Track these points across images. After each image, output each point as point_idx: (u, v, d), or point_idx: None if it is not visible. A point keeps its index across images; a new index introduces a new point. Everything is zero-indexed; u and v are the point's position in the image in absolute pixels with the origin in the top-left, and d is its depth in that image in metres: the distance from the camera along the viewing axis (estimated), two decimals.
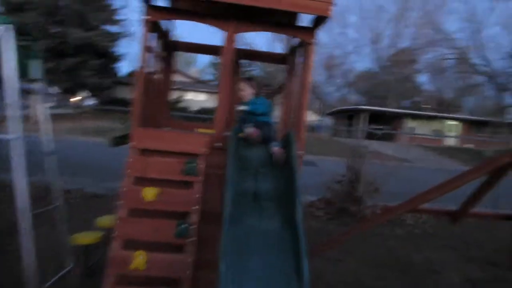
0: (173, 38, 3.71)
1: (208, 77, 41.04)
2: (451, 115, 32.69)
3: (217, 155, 2.73)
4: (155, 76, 3.40)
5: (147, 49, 2.82)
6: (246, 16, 2.73)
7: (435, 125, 31.44)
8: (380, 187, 6.38)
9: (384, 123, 29.95)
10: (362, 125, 28.61)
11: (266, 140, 2.72)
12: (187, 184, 2.62)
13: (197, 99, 28.34)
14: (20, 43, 2.68)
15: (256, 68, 29.38)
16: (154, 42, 3.11)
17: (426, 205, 3.93)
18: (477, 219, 5.69)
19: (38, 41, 3.01)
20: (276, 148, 2.65)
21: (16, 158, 2.66)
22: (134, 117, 2.70)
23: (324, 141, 20.07)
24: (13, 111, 2.64)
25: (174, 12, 2.81)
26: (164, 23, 3.45)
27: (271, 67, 31.16)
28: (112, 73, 26.11)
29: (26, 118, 3.26)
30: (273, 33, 28.94)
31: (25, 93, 3.01)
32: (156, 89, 3.39)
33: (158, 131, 2.99)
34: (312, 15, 2.67)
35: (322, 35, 32.24)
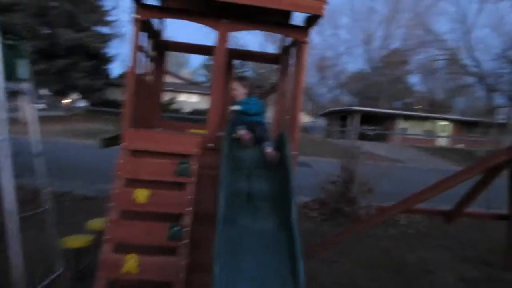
0: (164, 38, 3.66)
1: (200, 78, 40.94)
2: (442, 115, 32.98)
3: (210, 156, 2.69)
4: (147, 76, 3.35)
5: (138, 48, 2.77)
6: (238, 15, 2.70)
7: (426, 125, 31.70)
8: (374, 187, 6.38)
9: (377, 124, 30.12)
10: (354, 126, 28.77)
11: (259, 141, 2.69)
12: (179, 186, 2.57)
13: (189, 100, 28.24)
14: (7, 43, 2.61)
15: (248, 69, 29.38)
16: (145, 42, 3.06)
17: (419, 205, 3.95)
18: (471, 219, 5.71)
19: (25, 41, 2.94)
20: (269, 149, 2.61)
21: (3, 160, 2.60)
22: (125, 117, 2.65)
23: (317, 142, 20.10)
24: None
25: (165, 10, 2.77)
26: (155, 23, 3.41)
27: (263, 69, 31.19)
28: (103, 74, 25.91)
29: (15, 120, 3.19)
30: (266, 32, 29.00)
31: (13, 94, 2.94)
32: (148, 89, 3.34)
33: (150, 131, 2.94)
34: (305, 13, 2.65)
35: (314, 36, 32.37)
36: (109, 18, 25.00)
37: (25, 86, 2.96)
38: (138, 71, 2.90)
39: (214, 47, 2.75)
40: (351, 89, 41.18)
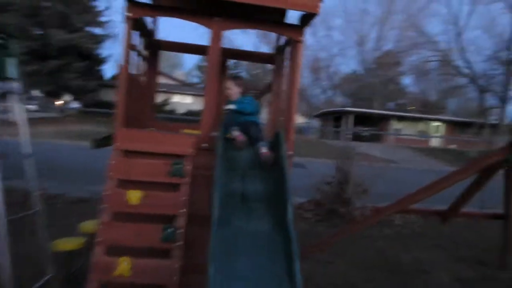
0: (157, 37, 3.62)
1: (194, 80, 40.83)
2: (435, 116, 33.22)
3: (204, 156, 2.65)
4: (139, 76, 3.30)
5: (130, 47, 2.73)
6: (232, 13, 2.67)
7: (420, 126, 31.90)
8: (369, 188, 6.38)
9: (370, 125, 30.25)
10: (348, 126, 28.90)
11: (254, 141, 2.65)
12: (173, 187, 2.53)
13: (183, 102, 28.16)
14: None
15: (242, 70, 29.37)
16: (137, 41, 3.02)
17: (414, 205, 3.94)
18: (465, 219, 5.72)
19: (15, 40, 2.88)
20: (264, 149, 2.58)
21: None
22: (118, 117, 2.60)
23: (311, 143, 20.12)
24: None
25: (157, 8, 2.72)
26: (148, 22, 3.37)
27: (257, 69, 31.19)
28: (96, 75, 25.74)
29: (5, 122, 3.13)
30: (260, 33, 29.02)
31: (2, 96, 2.88)
32: (140, 89, 3.29)
33: (143, 132, 2.89)
34: (300, 11, 2.62)
35: (308, 37, 32.47)
36: (102, 19, 24.87)
37: (15, 85, 2.90)
38: (131, 70, 2.86)
39: (208, 47, 2.71)
40: (344, 90, 41.35)
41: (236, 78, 2.96)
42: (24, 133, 3.06)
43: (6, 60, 2.76)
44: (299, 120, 34.10)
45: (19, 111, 3.00)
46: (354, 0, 43.86)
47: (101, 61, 25.86)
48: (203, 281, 1.82)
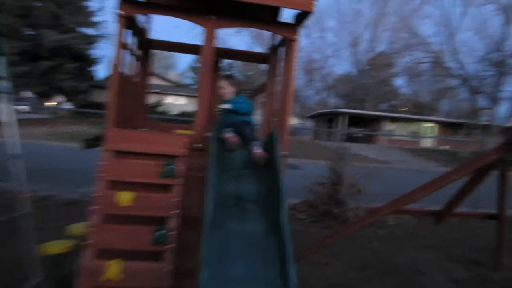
0: (150, 36, 3.56)
1: (187, 81, 40.70)
2: (427, 117, 33.46)
3: (198, 157, 2.60)
4: (131, 75, 3.24)
5: (122, 46, 2.67)
6: (226, 12, 2.62)
7: (412, 127, 32.10)
8: (362, 189, 6.37)
9: (363, 126, 30.39)
10: (342, 127, 28.99)
11: (247, 141, 2.60)
12: (165, 188, 2.48)
13: (177, 103, 28.04)
14: None
15: (236, 71, 29.34)
16: (130, 39, 2.96)
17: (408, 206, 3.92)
18: (459, 218, 5.73)
19: (4, 38, 2.81)
20: (257, 149, 2.53)
21: None
22: (109, 117, 2.54)
23: (305, 144, 20.12)
24: None
25: (150, 6, 2.66)
26: (140, 21, 3.31)
27: (251, 71, 31.16)
28: (89, 76, 25.50)
29: None
30: (254, 34, 29.01)
31: None
32: (132, 89, 3.23)
33: (134, 132, 2.83)
34: (295, 10, 2.59)
35: (302, 38, 32.50)
36: (94, 19, 24.66)
37: (3, 84, 2.83)
38: (122, 69, 2.80)
39: (201, 46, 2.67)
40: (338, 91, 41.49)
41: (229, 77, 2.91)
42: (12, 134, 2.99)
43: None
44: (293, 121, 34.12)
45: (7, 111, 2.93)
46: (348, 2, 44.07)
47: (93, 62, 25.63)
48: (196, 285, 1.77)
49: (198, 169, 2.53)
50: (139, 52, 3.43)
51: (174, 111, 24.95)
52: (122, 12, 2.49)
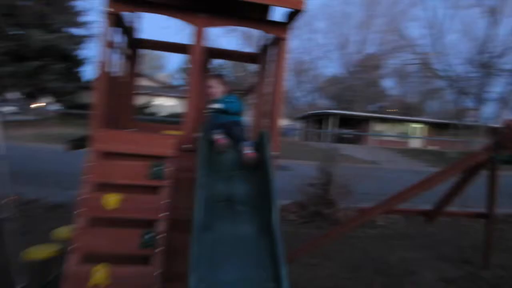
0: (138, 35, 3.50)
1: (177, 82, 40.45)
2: (415, 118, 33.83)
3: (188, 158, 2.54)
4: (119, 75, 3.17)
5: (109, 44, 2.60)
6: (216, 10, 2.58)
7: (401, 128, 32.43)
8: (352, 189, 6.38)
9: (353, 127, 30.58)
10: (331, 128, 29.12)
11: (238, 141, 2.56)
12: (154, 190, 2.42)
13: (166, 104, 27.83)
14: None
15: (225, 72, 29.25)
16: (117, 38, 2.89)
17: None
18: (447, 217, 5.75)
19: None
20: (247, 149, 2.48)
21: None
22: (95, 117, 2.47)
23: (295, 145, 20.15)
24: None
25: (139, 4, 2.58)
26: (129, 20, 3.25)
27: (241, 72, 31.10)
28: (76, 77, 25.14)
29: None
30: (243, 35, 28.96)
31: None
32: (120, 89, 3.16)
33: (121, 132, 2.76)
34: (285, 8, 2.56)
35: (292, 40, 32.62)
36: (82, 20, 24.34)
37: None
38: (110, 69, 2.73)
39: (191, 45, 2.62)
40: (327, 92, 41.70)
41: (220, 76, 2.86)
42: None
43: None
44: (283, 122, 34.18)
45: None
46: (337, 4, 44.40)
47: (81, 62, 25.28)
48: None
49: (189, 170, 2.47)
50: (127, 51, 3.36)
51: (164, 112, 24.76)
52: (110, 9, 2.42)
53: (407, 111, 37.68)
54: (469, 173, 3.45)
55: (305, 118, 37.05)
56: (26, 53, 20.69)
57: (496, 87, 28.09)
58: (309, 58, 37.42)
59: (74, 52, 23.92)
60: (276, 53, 2.88)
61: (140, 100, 22.13)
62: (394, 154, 21.89)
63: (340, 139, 22.00)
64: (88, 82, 25.93)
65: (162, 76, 39.11)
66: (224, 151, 2.51)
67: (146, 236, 2.27)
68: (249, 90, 4.14)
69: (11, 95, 22.62)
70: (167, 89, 31.62)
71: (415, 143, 30.33)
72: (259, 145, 2.54)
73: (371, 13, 34.94)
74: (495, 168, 3.52)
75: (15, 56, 20.23)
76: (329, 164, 6.43)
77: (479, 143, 22.86)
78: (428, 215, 4.06)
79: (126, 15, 3.15)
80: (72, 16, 23.54)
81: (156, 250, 2.27)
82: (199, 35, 2.60)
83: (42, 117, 22.17)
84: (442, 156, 20.62)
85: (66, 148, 2.81)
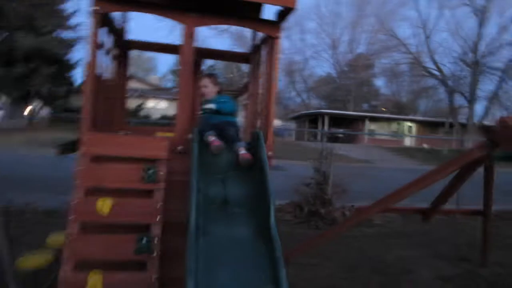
0: (127, 36, 3.44)
1: (169, 84, 40.27)
2: (407, 117, 34.08)
3: (181, 160, 2.49)
4: (109, 77, 3.11)
5: (97, 45, 2.54)
6: (207, 8, 2.53)
7: (392, 126, 32.64)
8: (348, 188, 6.37)
9: (345, 126, 30.71)
10: (324, 128, 29.21)
11: (232, 142, 2.51)
12: (147, 193, 2.36)
13: (158, 107, 27.67)
14: None
15: (217, 73, 29.17)
16: (105, 38, 2.82)
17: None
18: (443, 215, 5.76)
19: None
20: (242, 150, 2.43)
21: None
22: (84, 120, 2.41)
23: (289, 145, 20.14)
24: None
25: (127, 3, 2.53)
26: (118, 21, 3.19)
27: (231, 73, 31.06)
28: (67, 81, 24.83)
29: None
30: (235, 34, 28.92)
31: None
32: (110, 91, 3.10)
33: (112, 135, 2.70)
34: (277, 6, 2.52)
35: (283, 41, 32.73)
36: (71, 23, 24.07)
37: None
38: (99, 71, 2.67)
39: (181, 45, 2.56)
40: (319, 92, 41.84)
41: (212, 75, 2.82)
42: None
43: None
44: (276, 123, 34.21)
45: None
46: (327, 4, 44.57)
47: (71, 66, 24.98)
48: None
49: (183, 173, 2.42)
50: (117, 53, 3.30)
51: (156, 114, 24.61)
52: (97, 8, 2.36)
53: (399, 110, 37.94)
54: (466, 171, 3.44)
55: (298, 118, 37.12)
56: (15, 57, 20.41)
57: (487, 85, 28.37)
58: (300, 58, 37.57)
59: (64, 55, 23.64)
60: (268, 52, 2.85)
61: (132, 103, 21.97)
62: (386, 152, 22.00)
63: (333, 139, 22.07)
64: (78, 85, 25.68)
65: (154, 78, 38.90)
66: (217, 153, 2.45)
67: (141, 242, 2.21)
68: (242, 91, 4.10)
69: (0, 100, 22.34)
70: (159, 91, 31.44)
71: (407, 142, 30.53)
72: (254, 146, 2.49)
73: (362, 13, 35.15)
74: (491, 165, 3.52)
75: (3, 60, 19.94)
76: (324, 163, 6.40)
77: (471, 141, 23.13)
78: (425, 214, 4.05)
79: (115, 16, 3.09)
80: (60, 19, 23.27)
81: (153, 255, 2.22)
82: (189, 35, 2.55)
83: (32, 122, 21.90)
84: (436, 154, 20.76)
85: (56, 153, 2.74)
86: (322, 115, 31.06)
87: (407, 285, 3.72)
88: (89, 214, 2.27)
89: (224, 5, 2.52)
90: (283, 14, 2.62)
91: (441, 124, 30.44)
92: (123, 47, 3.40)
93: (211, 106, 2.60)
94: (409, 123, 32.85)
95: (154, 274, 2.20)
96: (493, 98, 28.11)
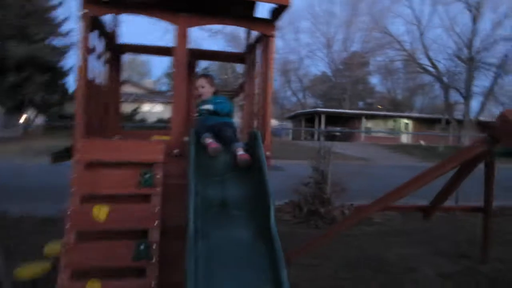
0: (120, 39, 3.39)
1: (163, 87, 40.16)
2: (403, 114, 34.15)
3: (178, 164, 2.45)
4: (102, 81, 3.06)
5: (88, 49, 2.49)
6: (199, 8, 2.49)
7: (389, 124, 32.69)
8: (347, 187, 6.34)
9: (342, 124, 30.74)
10: (320, 127, 29.22)
11: (230, 143, 2.46)
12: (144, 198, 2.32)
13: (153, 110, 27.59)
14: None
15: (212, 74, 29.12)
16: (97, 42, 2.77)
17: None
18: (443, 212, 5.73)
19: None
20: (240, 151, 2.39)
21: None
22: (77, 126, 2.36)
23: (286, 145, 20.11)
24: None
25: (117, 4, 2.47)
26: (109, 25, 3.14)
27: (226, 75, 31.02)
28: (60, 88, 24.69)
29: None
30: (229, 35, 28.87)
31: None
32: (103, 96, 3.05)
33: (106, 141, 2.65)
34: (270, 4, 2.49)
35: (277, 40, 32.71)
36: (63, 30, 23.94)
37: None
38: (91, 75, 2.62)
39: (174, 46, 2.52)
40: (315, 91, 41.86)
41: (208, 76, 2.78)
42: None
43: None
44: (272, 122, 34.18)
45: None
46: (321, 3, 44.63)
47: (64, 73, 24.85)
48: None
49: (180, 176, 2.38)
50: (109, 57, 3.25)
51: (151, 118, 24.53)
52: (86, 11, 2.31)
53: (395, 107, 38.02)
54: (466, 167, 3.41)
55: (294, 117, 37.13)
56: (7, 65, 20.28)
57: (482, 81, 28.49)
58: (295, 57, 37.57)
59: (57, 63, 23.52)
60: (263, 51, 2.81)
61: (128, 107, 21.89)
62: (383, 150, 22.01)
63: (330, 137, 22.06)
64: (72, 93, 25.53)
65: (148, 82, 38.81)
66: (215, 156, 2.41)
67: (139, 248, 2.16)
68: (237, 91, 4.06)
69: None
70: (154, 95, 31.36)
71: (404, 139, 30.59)
72: (252, 146, 2.45)
73: (355, 11, 35.21)
74: (492, 162, 3.50)
75: None
76: (322, 162, 6.37)
77: (468, 136, 23.17)
78: (426, 211, 4.02)
79: (107, 20, 3.04)
80: (52, 26, 23.15)
81: (151, 261, 2.17)
82: (182, 35, 2.51)
83: (27, 131, 21.76)
84: (433, 150, 20.79)
85: (50, 161, 2.70)
86: (319, 113, 31.06)
87: (410, 284, 3.69)
88: (86, 221, 2.22)
89: (216, 4, 2.48)
90: (277, 12, 2.59)
91: (438, 121, 30.52)
92: (115, 50, 3.36)
93: (208, 106, 2.56)
94: (405, 120, 32.90)
95: (154, 280, 2.15)
96: (489, 93, 28.20)
